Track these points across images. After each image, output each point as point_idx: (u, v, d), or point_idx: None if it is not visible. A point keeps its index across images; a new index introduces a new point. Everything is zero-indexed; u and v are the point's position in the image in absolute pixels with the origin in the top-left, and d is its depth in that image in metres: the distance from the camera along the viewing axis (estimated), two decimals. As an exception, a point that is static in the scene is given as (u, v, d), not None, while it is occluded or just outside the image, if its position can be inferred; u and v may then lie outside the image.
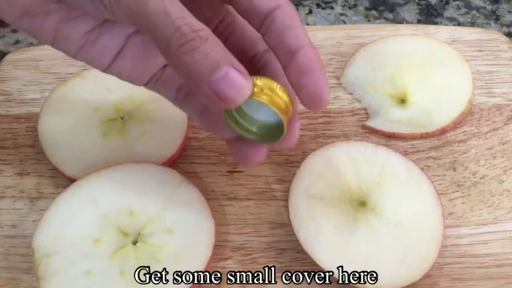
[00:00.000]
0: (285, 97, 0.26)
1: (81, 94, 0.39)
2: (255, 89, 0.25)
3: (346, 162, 0.36)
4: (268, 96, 0.25)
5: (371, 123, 0.40)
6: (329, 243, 0.32)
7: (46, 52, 0.44)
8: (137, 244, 0.32)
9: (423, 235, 0.33)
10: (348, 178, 0.35)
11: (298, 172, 0.36)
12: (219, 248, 0.34)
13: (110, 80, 0.40)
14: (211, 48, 0.24)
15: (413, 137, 0.39)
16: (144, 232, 0.32)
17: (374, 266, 0.32)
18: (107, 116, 0.38)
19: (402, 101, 0.40)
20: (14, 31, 0.49)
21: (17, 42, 0.48)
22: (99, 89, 0.39)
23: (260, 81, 0.25)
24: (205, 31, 0.24)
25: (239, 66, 0.24)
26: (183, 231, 0.33)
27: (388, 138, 0.39)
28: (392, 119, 0.39)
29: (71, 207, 0.33)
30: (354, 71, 0.42)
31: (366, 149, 0.36)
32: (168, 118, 0.38)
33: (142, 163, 0.35)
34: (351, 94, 0.42)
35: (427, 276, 0.32)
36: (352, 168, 0.35)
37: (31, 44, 0.48)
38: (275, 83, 0.26)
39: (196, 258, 0.32)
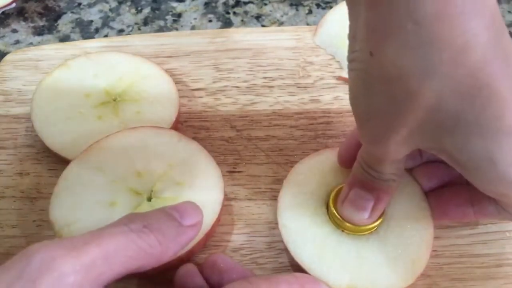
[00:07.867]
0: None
1: (69, 83, 0.39)
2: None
3: (331, 169, 0.35)
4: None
5: (345, 75, 0.42)
6: (316, 252, 0.32)
7: (46, 52, 0.44)
8: (152, 200, 0.33)
9: (413, 238, 0.32)
10: (332, 185, 0.34)
11: (286, 180, 0.35)
12: (219, 248, 0.34)
13: (96, 67, 0.40)
14: (379, 184, 0.30)
15: None
16: (156, 188, 0.33)
17: (366, 273, 0.31)
18: (99, 100, 0.39)
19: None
20: (14, 31, 0.49)
21: (17, 42, 0.48)
22: (86, 76, 0.40)
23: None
24: (395, 177, 0.30)
25: (379, 208, 0.31)
26: (192, 181, 0.34)
27: None
28: None
29: (79, 179, 0.33)
30: (326, 31, 0.45)
31: None
32: (159, 95, 0.39)
33: (138, 128, 0.36)
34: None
35: (427, 276, 0.32)
36: (335, 175, 0.34)
37: (31, 44, 0.48)
38: None
39: (210, 202, 0.33)
